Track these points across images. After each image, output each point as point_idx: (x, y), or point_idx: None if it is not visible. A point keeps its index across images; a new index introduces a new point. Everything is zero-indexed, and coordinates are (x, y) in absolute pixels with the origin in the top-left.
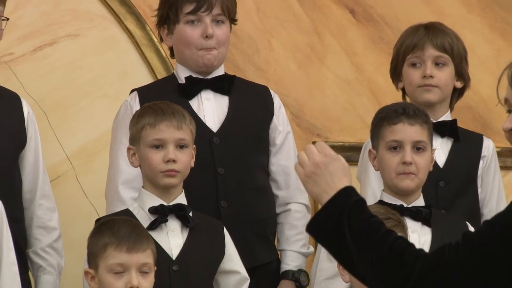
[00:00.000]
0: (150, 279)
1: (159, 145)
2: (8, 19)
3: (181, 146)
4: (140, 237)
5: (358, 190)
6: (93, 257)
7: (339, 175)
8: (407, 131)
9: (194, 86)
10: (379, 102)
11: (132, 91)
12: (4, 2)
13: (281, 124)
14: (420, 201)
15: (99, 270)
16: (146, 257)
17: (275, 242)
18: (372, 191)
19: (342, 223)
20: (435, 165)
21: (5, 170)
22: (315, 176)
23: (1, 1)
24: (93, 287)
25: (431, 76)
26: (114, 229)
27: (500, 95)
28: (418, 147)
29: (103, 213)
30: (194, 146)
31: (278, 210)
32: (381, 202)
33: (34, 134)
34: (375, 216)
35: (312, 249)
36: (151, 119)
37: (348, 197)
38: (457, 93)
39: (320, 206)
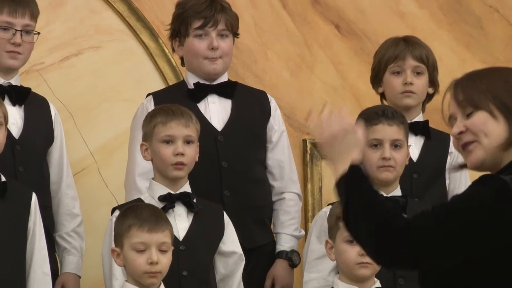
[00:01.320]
0: (168, 256)
1: (169, 141)
2: (39, 33)
3: (188, 141)
4: (160, 219)
5: None
6: (119, 237)
7: (351, 148)
8: (386, 131)
9: (201, 91)
10: (360, 105)
11: (148, 95)
12: (36, 19)
13: (277, 124)
14: (397, 191)
15: (124, 248)
16: (165, 237)
17: (271, 226)
18: None
19: (349, 194)
20: (410, 159)
21: (37, 164)
22: (329, 145)
23: (34, 18)
24: (119, 263)
25: (411, 83)
26: (137, 212)
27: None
28: (395, 145)
29: (121, 201)
30: (198, 143)
31: (273, 198)
32: None
33: (59, 133)
34: (374, 190)
35: (303, 232)
36: (162, 118)
37: (352, 174)
38: (428, 98)
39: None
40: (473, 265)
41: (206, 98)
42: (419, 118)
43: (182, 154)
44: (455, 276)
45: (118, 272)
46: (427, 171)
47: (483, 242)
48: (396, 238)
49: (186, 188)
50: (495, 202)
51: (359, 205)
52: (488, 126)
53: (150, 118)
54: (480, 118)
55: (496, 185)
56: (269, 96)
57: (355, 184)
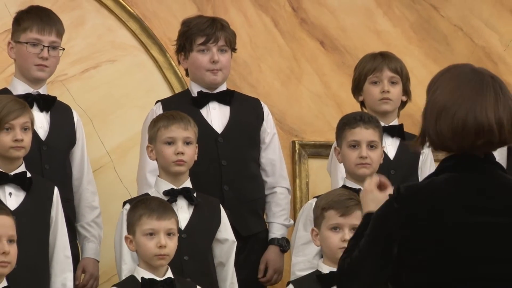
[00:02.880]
0: (175, 241)
1: (171, 142)
2: (64, 49)
3: (187, 142)
4: (167, 209)
5: (328, 179)
6: (131, 226)
7: (369, 203)
8: (363, 133)
9: (203, 99)
10: (342, 111)
11: (157, 102)
12: (61, 36)
13: (269, 127)
14: None
15: (136, 235)
16: (171, 224)
17: (264, 217)
18: (341, 175)
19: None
20: (387, 157)
21: (60, 162)
22: (363, 198)
23: (59, 35)
24: (132, 248)
25: (388, 92)
26: (147, 203)
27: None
28: (371, 145)
29: (134, 195)
30: (197, 145)
31: (266, 192)
32: (344, 186)
33: (81, 136)
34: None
35: (292, 222)
36: (164, 123)
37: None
38: (402, 105)
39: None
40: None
41: (207, 105)
42: (395, 122)
43: (182, 153)
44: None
45: (127, 257)
46: (402, 168)
47: (385, 249)
48: (345, 271)
49: (187, 184)
50: (384, 210)
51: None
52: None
53: (154, 123)
54: None
55: (391, 195)
56: (262, 103)
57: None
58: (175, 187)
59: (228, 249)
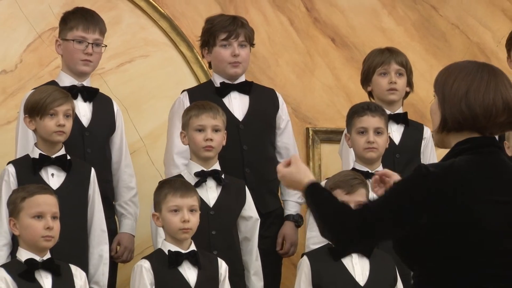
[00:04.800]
0: (197, 216)
1: (201, 129)
2: (106, 45)
3: (216, 130)
4: (189, 188)
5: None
6: (158, 204)
7: (296, 177)
8: (370, 121)
9: (225, 89)
10: (351, 101)
11: (183, 91)
12: (104, 34)
13: (284, 114)
14: (380, 168)
15: (162, 211)
16: (194, 201)
17: (279, 195)
18: (352, 157)
19: (312, 201)
20: (392, 142)
21: (101, 147)
22: (283, 178)
23: (102, 33)
24: (159, 224)
25: (395, 83)
26: (171, 183)
27: None
28: (378, 131)
29: (164, 176)
30: (226, 132)
31: None
32: (353, 169)
33: (120, 125)
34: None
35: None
36: (195, 112)
37: (311, 187)
38: (405, 95)
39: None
40: (414, 237)
41: (229, 94)
42: (400, 110)
43: (211, 140)
44: (408, 245)
45: (162, 231)
46: (406, 152)
47: (409, 218)
48: (346, 231)
49: (216, 166)
50: (413, 186)
51: (323, 209)
52: (432, 115)
53: (186, 112)
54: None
55: (417, 172)
56: (277, 93)
57: (318, 194)
58: (205, 169)
59: (252, 226)
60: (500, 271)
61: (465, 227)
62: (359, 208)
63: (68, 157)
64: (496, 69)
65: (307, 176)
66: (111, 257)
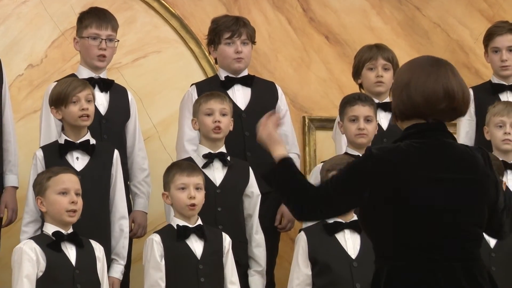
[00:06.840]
0: (202, 194)
1: (210, 113)
2: (118, 41)
3: (223, 114)
4: (195, 168)
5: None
6: (167, 183)
7: (273, 146)
8: (361, 110)
9: (230, 82)
10: (343, 92)
11: (192, 84)
12: (116, 30)
13: (283, 104)
14: None
15: (171, 190)
16: (199, 180)
17: None
18: (344, 143)
19: (275, 175)
20: (381, 128)
21: (117, 133)
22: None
23: (115, 30)
24: (168, 202)
25: (381, 76)
26: (178, 164)
27: None
28: (367, 119)
29: (175, 160)
30: (232, 119)
31: None
32: (346, 153)
33: (134, 112)
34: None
35: None
36: (204, 98)
37: (282, 162)
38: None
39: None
40: (367, 210)
41: (233, 87)
42: (387, 100)
43: (219, 122)
44: (364, 216)
45: (172, 210)
46: (393, 137)
47: (356, 191)
48: (310, 202)
49: (223, 149)
50: (360, 164)
51: (289, 183)
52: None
53: (197, 100)
54: None
55: (365, 153)
56: (276, 85)
57: (287, 169)
58: (212, 151)
59: (254, 202)
60: (439, 241)
61: (403, 201)
62: (321, 183)
63: (92, 142)
64: (442, 61)
65: (280, 149)
66: None
